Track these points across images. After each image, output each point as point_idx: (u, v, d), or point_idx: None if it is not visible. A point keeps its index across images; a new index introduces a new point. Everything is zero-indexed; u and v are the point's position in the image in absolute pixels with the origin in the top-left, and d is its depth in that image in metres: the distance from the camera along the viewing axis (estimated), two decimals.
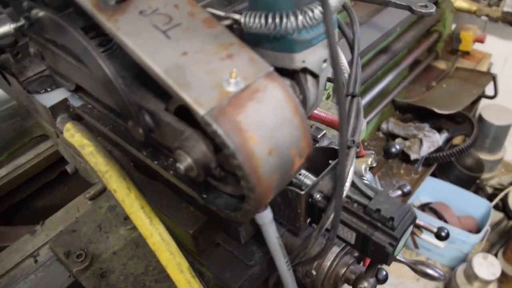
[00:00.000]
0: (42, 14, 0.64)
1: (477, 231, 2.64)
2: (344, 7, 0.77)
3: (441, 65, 2.94)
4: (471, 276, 2.42)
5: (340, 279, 0.85)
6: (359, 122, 0.69)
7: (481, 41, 2.65)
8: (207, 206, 0.76)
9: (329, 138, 0.98)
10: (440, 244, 2.63)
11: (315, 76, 0.65)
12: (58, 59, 0.81)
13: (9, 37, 0.89)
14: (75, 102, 0.93)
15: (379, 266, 0.85)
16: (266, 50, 0.61)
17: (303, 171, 0.76)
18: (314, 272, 0.82)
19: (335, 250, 0.83)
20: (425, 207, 2.79)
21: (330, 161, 0.75)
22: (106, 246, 0.95)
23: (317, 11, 0.56)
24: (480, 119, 2.91)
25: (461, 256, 2.66)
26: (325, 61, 0.65)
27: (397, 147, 1.07)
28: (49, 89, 0.99)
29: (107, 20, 0.53)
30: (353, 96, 0.69)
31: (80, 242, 0.96)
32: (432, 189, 2.80)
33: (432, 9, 1.47)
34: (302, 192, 0.69)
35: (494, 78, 2.57)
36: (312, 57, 0.62)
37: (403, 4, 1.54)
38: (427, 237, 2.66)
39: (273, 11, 0.56)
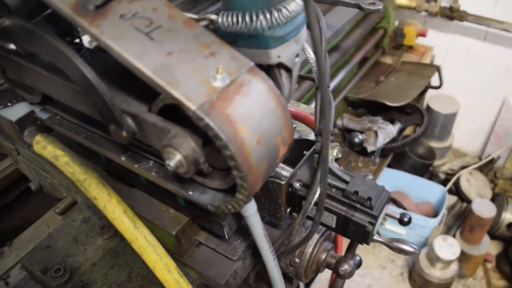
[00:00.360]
0: (11, 22, 0.63)
1: (435, 215, 2.78)
2: None
3: (388, 60, 3.07)
4: (433, 258, 2.54)
5: (322, 265, 0.89)
6: (331, 111, 0.73)
7: (423, 35, 2.80)
8: (191, 203, 0.78)
9: (298, 131, 1.02)
10: (402, 231, 2.74)
11: (288, 70, 0.69)
12: (23, 70, 0.80)
13: None
14: (41, 115, 0.92)
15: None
16: (242, 48, 0.64)
17: (279, 164, 0.79)
18: (297, 260, 0.85)
19: (315, 237, 0.86)
20: None
21: (304, 152, 0.79)
22: (85, 258, 0.94)
23: (290, 7, 0.59)
24: (428, 109, 3.06)
25: (422, 240, 2.78)
26: (297, 55, 0.68)
27: (360, 137, 1.13)
28: (9, 104, 0.97)
29: (89, 25, 0.53)
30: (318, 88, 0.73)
31: (57, 257, 0.94)
32: (389, 180, 2.91)
33: (380, 5, 1.55)
34: (283, 182, 0.72)
35: (438, 69, 2.73)
36: (286, 52, 0.65)
37: (352, 2, 1.61)
38: (389, 226, 2.77)
39: (248, 10, 0.59)
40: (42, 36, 0.59)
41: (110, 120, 0.62)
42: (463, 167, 3.20)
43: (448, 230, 2.95)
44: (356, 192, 0.71)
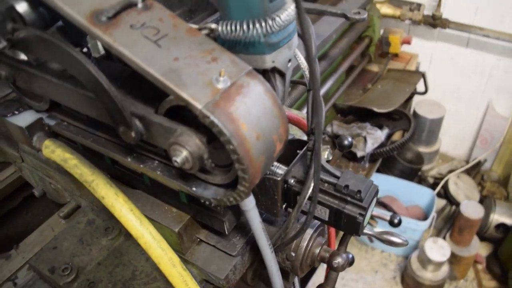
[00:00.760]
0: (28, 34, 0.68)
1: (424, 218, 2.85)
2: None
3: (374, 68, 3.15)
4: (424, 260, 2.61)
5: (316, 258, 0.94)
6: (322, 112, 0.79)
7: (408, 42, 2.89)
8: (193, 201, 0.83)
9: (292, 134, 1.07)
10: None
11: (282, 74, 0.75)
12: (33, 79, 0.85)
13: None
14: (49, 121, 0.96)
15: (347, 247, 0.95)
16: (240, 54, 0.70)
17: (274, 163, 0.84)
18: (293, 254, 0.90)
19: (309, 231, 0.92)
20: None
21: (298, 151, 0.85)
22: (90, 258, 0.98)
23: (283, 16, 0.66)
24: (415, 114, 3.15)
25: (413, 244, 2.84)
26: (289, 61, 0.74)
27: (349, 139, 1.19)
28: (16, 112, 1.02)
29: (103, 34, 0.59)
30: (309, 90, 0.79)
31: (64, 257, 0.98)
32: (379, 185, 2.94)
33: (364, 15, 1.62)
34: (279, 179, 0.78)
35: (423, 76, 2.81)
36: (280, 57, 0.71)
37: (338, 12, 1.68)
38: (380, 230, 2.83)
39: (245, 19, 0.65)
40: (58, 45, 0.64)
41: (120, 122, 0.67)
42: (451, 171, 3.29)
43: (438, 233, 3.02)
44: (346, 186, 0.76)
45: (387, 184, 2.97)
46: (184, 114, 0.65)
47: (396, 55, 3.14)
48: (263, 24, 0.65)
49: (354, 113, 2.84)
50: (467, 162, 3.45)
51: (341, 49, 2.47)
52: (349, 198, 0.77)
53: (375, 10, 2.79)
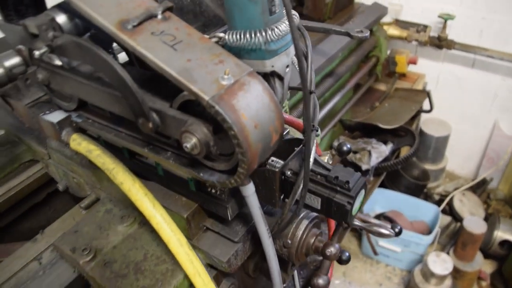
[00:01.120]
0: (66, 40, 0.81)
1: (429, 233, 2.91)
2: (298, 28, 0.98)
3: (382, 87, 3.27)
4: (427, 274, 2.66)
5: (311, 248, 1.03)
6: (316, 111, 0.90)
7: (414, 62, 3.01)
8: (201, 189, 0.94)
9: (292, 135, 1.18)
10: (397, 248, 2.86)
11: (280, 78, 0.86)
12: (66, 81, 0.98)
13: (21, 67, 1.05)
14: (76, 119, 1.09)
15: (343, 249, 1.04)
16: (244, 59, 0.81)
17: (274, 158, 0.95)
18: (289, 241, 1.00)
19: (304, 223, 1.02)
20: (380, 217, 3.03)
21: (295, 148, 0.95)
22: (107, 242, 1.09)
23: (281, 27, 0.77)
24: (421, 132, 3.23)
25: (417, 258, 2.90)
26: (287, 66, 0.86)
27: (348, 145, 1.29)
28: (47, 112, 1.15)
29: (128, 39, 0.71)
30: (310, 92, 0.90)
31: (84, 240, 1.09)
32: (385, 200, 3.05)
33: (367, 33, 1.74)
34: (277, 170, 0.88)
35: (428, 94, 2.91)
36: (278, 63, 0.83)
37: (342, 31, 1.81)
38: (385, 244, 2.90)
39: (248, 30, 0.77)
40: (90, 48, 0.77)
41: (140, 114, 0.79)
42: (457, 189, 3.34)
43: (442, 248, 3.07)
44: (336, 177, 0.87)
45: (393, 199, 3.04)
46: (193, 109, 0.77)
47: (403, 75, 3.25)
48: (264, 34, 0.77)
49: (360, 130, 2.94)
50: (474, 180, 3.51)
51: (348, 67, 2.59)
52: (338, 188, 0.87)
53: (382, 31, 2.91)
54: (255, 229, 0.96)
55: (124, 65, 1.02)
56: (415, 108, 2.92)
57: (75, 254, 1.05)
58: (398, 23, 3.14)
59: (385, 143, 2.67)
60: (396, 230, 1.53)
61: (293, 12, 0.80)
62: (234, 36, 0.78)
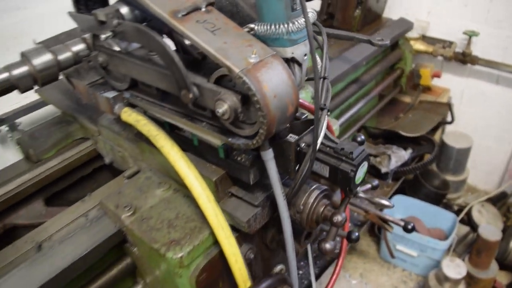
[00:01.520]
0: (128, 26, 1.02)
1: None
2: (315, 23, 1.16)
3: (407, 99, 3.40)
4: (441, 278, 2.74)
5: (320, 216, 1.19)
6: (328, 94, 1.07)
7: (437, 75, 3.13)
8: (228, 156, 1.12)
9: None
10: (413, 252, 2.96)
11: (299, 64, 1.04)
12: (122, 63, 1.18)
13: (84, 51, 1.27)
14: (127, 96, 1.29)
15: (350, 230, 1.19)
16: (269, 46, 0.99)
17: (292, 135, 1.11)
18: (301, 207, 1.16)
19: (316, 192, 1.17)
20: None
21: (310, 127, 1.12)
22: (145, 202, 1.27)
23: (300, 21, 0.95)
24: (443, 144, 3.33)
25: (433, 264, 2.98)
26: (305, 55, 1.03)
27: (362, 136, 1.45)
28: (103, 92, 1.36)
29: (179, 24, 0.91)
30: (324, 78, 1.07)
31: (126, 199, 1.28)
32: (405, 206, 3.16)
33: (387, 42, 1.91)
34: (293, 141, 1.05)
35: (450, 106, 3.03)
36: (298, 51, 1.00)
37: (364, 38, 1.98)
38: (402, 247, 3.00)
39: (274, 22, 0.95)
40: (148, 33, 0.97)
41: (183, 87, 0.98)
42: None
43: (458, 257, 3.13)
44: (342, 149, 1.03)
45: (412, 206, 3.14)
46: (226, 84, 0.96)
47: (428, 89, 3.37)
48: (286, 25, 0.95)
49: (383, 137, 3.08)
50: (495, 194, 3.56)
51: (373, 76, 2.75)
52: (344, 158, 1.03)
53: (407, 45, 3.06)
54: (274, 198, 1.13)
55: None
56: (437, 119, 3.04)
57: (117, 210, 1.24)
58: (425, 38, 3.27)
59: (405, 149, 2.79)
60: (409, 226, 1.68)
61: (311, 10, 0.98)
62: (262, 27, 0.96)
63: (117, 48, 1.19)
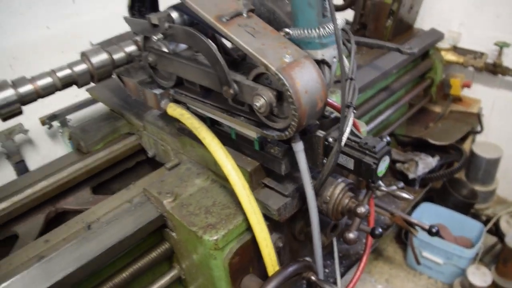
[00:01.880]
0: (177, 29, 1.15)
1: None
2: (344, 30, 1.27)
3: (437, 109, 3.43)
4: (466, 285, 2.76)
5: (345, 208, 1.29)
6: (355, 94, 1.17)
7: (468, 86, 3.17)
8: (262, 148, 1.23)
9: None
10: (439, 260, 2.98)
11: (329, 66, 1.15)
12: (170, 63, 1.32)
13: (136, 52, 1.42)
14: (173, 93, 1.43)
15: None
16: (302, 49, 1.11)
17: (320, 131, 1.22)
18: (328, 198, 1.26)
19: (342, 185, 1.27)
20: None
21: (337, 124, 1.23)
22: (185, 190, 1.40)
23: (331, 27, 1.06)
24: (472, 154, 3.35)
25: (459, 272, 2.99)
26: (334, 57, 1.14)
27: (388, 138, 1.54)
28: (150, 88, 1.50)
29: (223, 28, 1.04)
30: (351, 79, 1.18)
31: (167, 187, 1.41)
32: (432, 214, 3.19)
33: (415, 50, 1.99)
34: (321, 135, 1.16)
35: (479, 116, 3.06)
36: (328, 53, 1.11)
37: (393, 46, 2.06)
38: (428, 255, 3.03)
39: (307, 27, 1.07)
40: (196, 34, 1.10)
41: (224, 83, 1.11)
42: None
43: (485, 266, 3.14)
44: (366, 143, 1.13)
45: (439, 214, 3.17)
46: (263, 82, 1.08)
47: (459, 100, 3.40)
48: (317, 30, 1.06)
49: (412, 145, 3.13)
50: None
51: (402, 84, 2.82)
52: (367, 151, 1.13)
53: (438, 55, 3.11)
54: (302, 190, 1.24)
55: None
56: (466, 128, 3.07)
57: (160, 196, 1.37)
58: (456, 49, 3.31)
59: (433, 157, 2.84)
60: (434, 230, 1.75)
61: (340, 17, 1.09)
62: (296, 31, 1.08)
63: (165, 50, 1.33)
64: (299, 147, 1.13)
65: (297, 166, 1.19)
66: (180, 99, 1.38)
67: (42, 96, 1.38)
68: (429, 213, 3.16)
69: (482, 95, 3.42)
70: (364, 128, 1.86)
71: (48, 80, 1.37)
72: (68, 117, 2.26)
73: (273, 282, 1.18)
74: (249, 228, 1.29)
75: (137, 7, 1.36)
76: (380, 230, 1.37)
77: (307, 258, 1.56)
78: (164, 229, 1.45)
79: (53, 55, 2.14)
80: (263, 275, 1.29)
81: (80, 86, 1.42)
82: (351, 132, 1.18)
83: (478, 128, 3.18)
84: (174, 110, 1.34)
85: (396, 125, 2.96)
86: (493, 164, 3.34)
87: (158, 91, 1.41)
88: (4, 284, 1.21)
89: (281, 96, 1.05)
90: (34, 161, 2.28)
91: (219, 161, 1.22)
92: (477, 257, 2.99)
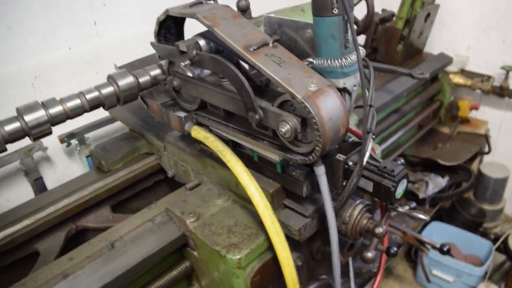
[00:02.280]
0: (204, 56, 1.21)
1: None
2: (363, 59, 1.32)
3: (446, 130, 3.49)
4: None
5: (363, 228, 1.33)
6: (374, 120, 1.22)
7: (475, 108, 3.23)
8: (284, 171, 1.28)
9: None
10: (449, 278, 3.00)
11: (349, 93, 1.20)
12: (194, 87, 1.38)
13: (160, 76, 1.48)
14: (196, 116, 1.49)
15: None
16: (325, 78, 1.17)
17: (340, 155, 1.27)
18: (347, 219, 1.31)
19: (360, 206, 1.32)
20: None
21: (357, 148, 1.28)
22: (207, 210, 1.45)
23: (352, 57, 1.12)
24: (480, 173, 3.40)
25: None
26: (355, 85, 1.20)
27: (402, 160, 1.58)
28: (174, 111, 1.56)
29: (251, 57, 1.10)
30: (370, 106, 1.23)
31: (190, 206, 1.45)
32: (441, 233, 3.22)
33: (427, 75, 2.05)
34: (341, 159, 1.21)
35: (486, 137, 3.11)
36: (349, 82, 1.17)
37: (406, 72, 2.12)
38: (438, 273, 3.05)
39: (330, 57, 1.13)
40: (223, 62, 1.16)
41: (250, 109, 1.16)
42: None
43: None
44: (385, 167, 1.18)
45: (449, 233, 3.20)
46: (287, 108, 1.13)
47: (467, 121, 3.46)
48: (339, 61, 1.12)
49: (421, 166, 3.18)
50: None
51: (413, 107, 2.88)
52: (386, 175, 1.17)
53: (447, 78, 3.18)
54: (322, 211, 1.28)
55: None
56: (474, 149, 3.12)
57: (183, 216, 1.42)
58: (464, 72, 3.38)
59: (443, 177, 2.88)
60: (445, 248, 1.79)
61: (362, 49, 1.15)
62: (319, 61, 1.14)
63: (190, 74, 1.40)
64: (321, 171, 1.18)
65: (316, 188, 1.24)
66: (203, 122, 1.43)
67: (71, 117, 1.43)
68: (438, 232, 3.19)
69: (489, 117, 3.47)
70: (378, 150, 1.91)
71: (77, 101, 1.43)
72: (86, 135, 2.32)
73: None
74: (270, 248, 1.33)
75: (163, 33, 1.43)
76: (395, 249, 1.41)
77: (324, 276, 1.60)
78: (185, 248, 1.49)
79: (74, 75, 2.21)
80: None
81: (107, 108, 1.48)
82: (370, 156, 1.23)
83: (486, 149, 3.22)
84: (199, 133, 1.39)
85: (406, 146, 3.01)
86: (501, 183, 3.37)
87: (182, 114, 1.46)
88: None
89: (304, 122, 1.10)
90: (50, 178, 2.32)
91: (243, 183, 1.27)
92: (486, 275, 3.00)
